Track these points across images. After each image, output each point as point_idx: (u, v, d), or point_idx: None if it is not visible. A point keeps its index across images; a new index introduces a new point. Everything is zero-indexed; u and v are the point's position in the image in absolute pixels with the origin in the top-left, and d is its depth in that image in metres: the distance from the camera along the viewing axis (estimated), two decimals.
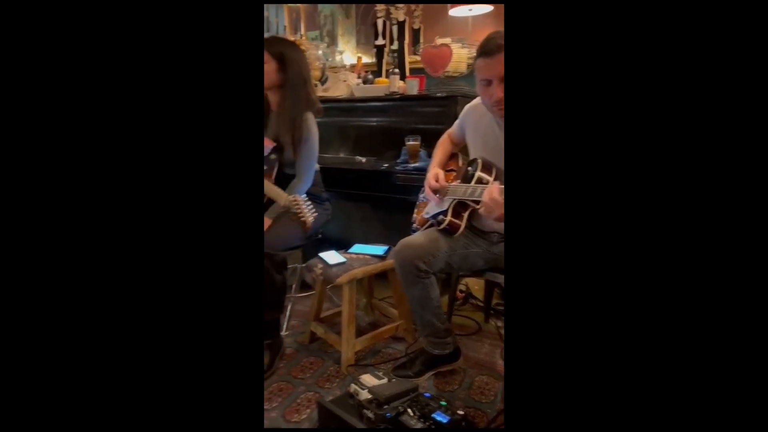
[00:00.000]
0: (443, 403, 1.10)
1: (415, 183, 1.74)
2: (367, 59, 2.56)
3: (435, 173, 1.38)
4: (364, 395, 1.18)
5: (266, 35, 2.61)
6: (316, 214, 1.41)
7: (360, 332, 1.56)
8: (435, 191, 1.37)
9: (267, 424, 1.25)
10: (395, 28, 2.34)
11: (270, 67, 1.52)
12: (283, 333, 1.64)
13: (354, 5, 2.53)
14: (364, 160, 2.14)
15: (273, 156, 1.57)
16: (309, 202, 1.40)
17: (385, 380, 1.25)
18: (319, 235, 1.76)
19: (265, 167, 1.58)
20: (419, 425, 1.07)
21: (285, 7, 2.59)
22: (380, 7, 2.35)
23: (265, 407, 1.32)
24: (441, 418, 1.05)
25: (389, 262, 1.57)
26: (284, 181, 1.60)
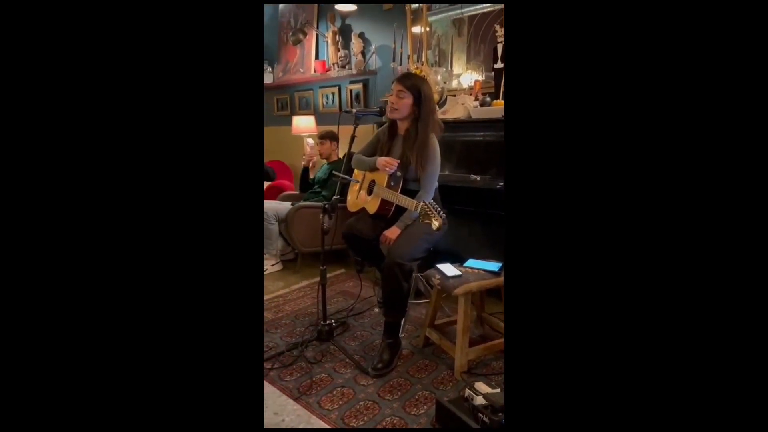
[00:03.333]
0: None
1: None
2: (477, 75, 2.66)
3: None
4: (479, 400, 1.27)
5: (391, 65, 2.89)
6: (444, 215, 1.50)
7: (470, 343, 1.64)
8: None
9: (389, 413, 1.41)
10: None
11: (408, 100, 1.74)
12: (400, 335, 1.80)
13: (467, 24, 2.66)
14: (478, 178, 2.23)
15: (399, 173, 1.76)
16: (437, 206, 1.51)
17: (498, 390, 1.32)
18: (431, 248, 1.89)
19: (392, 183, 1.77)
20: None
21: (408, 36, 2.82)
22: (501, 31, 2.44)
23: (386, 398, 1.49)
24: None
25: (503, 278, 1.64)
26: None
